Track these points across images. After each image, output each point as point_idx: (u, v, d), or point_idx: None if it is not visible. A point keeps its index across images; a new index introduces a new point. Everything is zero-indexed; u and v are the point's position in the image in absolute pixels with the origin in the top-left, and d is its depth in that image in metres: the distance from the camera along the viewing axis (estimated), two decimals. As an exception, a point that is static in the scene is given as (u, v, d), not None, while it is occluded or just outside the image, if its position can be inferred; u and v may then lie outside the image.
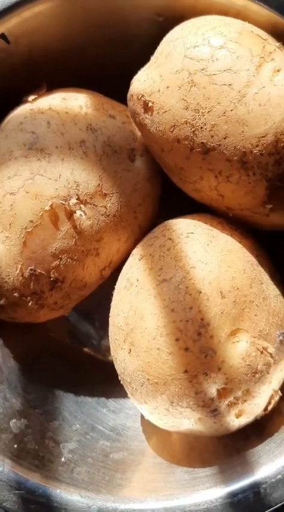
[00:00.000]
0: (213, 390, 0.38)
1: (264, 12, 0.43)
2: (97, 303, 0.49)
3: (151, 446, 0.46)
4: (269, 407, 0.42)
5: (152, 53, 0.45)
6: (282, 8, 0.42)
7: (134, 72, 0.46)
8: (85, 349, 0.54)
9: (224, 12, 0.44)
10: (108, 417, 0.49)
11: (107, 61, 0.51)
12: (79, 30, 0.49)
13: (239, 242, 0.42)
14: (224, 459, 0.42)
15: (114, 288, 0.45)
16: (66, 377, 0.51)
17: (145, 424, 0.46)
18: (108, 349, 0.46)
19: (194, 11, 0.45)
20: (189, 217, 0.44)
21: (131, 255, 0.45)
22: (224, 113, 0.38)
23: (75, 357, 0.54)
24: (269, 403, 0.42)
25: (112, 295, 0.45)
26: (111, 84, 0.48)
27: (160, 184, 0.49)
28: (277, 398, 0.42)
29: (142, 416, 0.47)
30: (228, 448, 0.43)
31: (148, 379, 0.39)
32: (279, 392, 0.42)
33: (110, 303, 0.45)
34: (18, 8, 0.46)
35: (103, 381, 0.50)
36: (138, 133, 0.47)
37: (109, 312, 0.45)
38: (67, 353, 0.54)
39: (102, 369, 0.52)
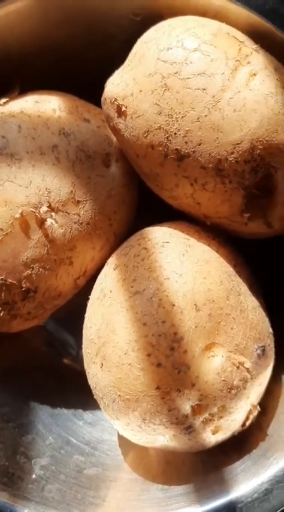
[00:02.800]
0: (186, 407, 0.37)
1: (243, 13, 0.41)
2: (76, 310, 0.47)
3: (127, 461, 0.45)
4: (248, 423, 0.40)
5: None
6: (261, 8, 0.40)
7: (113, 70, 0.44)
8: (63, 359, 0.53)
9: (203, 12, 0.42)
10: (84, 430, 0.47)
11: (84, 61, 0.49)
12: (55, 29, 0.47)
13: (217, 251, 0.41)
14: (202, 476, 0.41)
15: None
16: (43, 388, 0.50)
17: (122, 438, 0.45)
18: (86, 358, 0.45)
19: (172, 10, 0.43)
20: (166, 225, 0.43)
21: (106, 264, 0.44)
22: (198, 118, 0.37)
23: (53, 367, 0.52)
24: (247, 418, 0.40)
25: (89, 303, 0.43)
26: (88, 85, 0.47)
27: (136, 190, 0.48)
28: (255, 413, 0.40)
29: (118, 430, 0.46)
30: (206, 464, 0.42)
31: (119, 395, 0.38)
32: (258, 407, 0.40)
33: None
34: (-9, 7, 0.44)
35: (81, 391, 0.48)
36: (114, 137, 0.45)
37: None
38: (44, 363, 0.52)
39: (80, 379, 0.49)
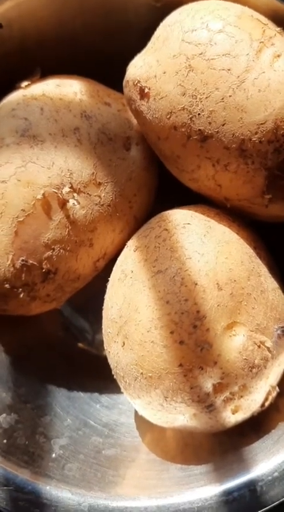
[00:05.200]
0: (208, 385, 0.37)
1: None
2: (92, 296, 0.48)
3: (145, 443, 0.45)
4: (267, 404, 0.41)
5: (149, 40, 0.44)
6: (283, -8, 0.41)
7: (131, 59, 0.45)
8: (79, 344, 0.53)
9: (224, -3, 0.43)
10: (101, 413, 0.48)
11: (103, 48, 0.50)
12: (74, 16, 0.48)
13: (237, 234, 0.41)
14: (220, 456, 0.41)
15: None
16: (59, 371, 0.50)
17: (139, 420, 0.45)
18: (102, 343, 0.45)
19: (193, -4, 0.44)
20: (186, 208, 0.43)
21: (126, 246, 0.44)
22: (222, 98, 0.37)
23: (69, 351, 0.53)
24: (266, 399, 0.41)
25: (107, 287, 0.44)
26: (106, 71, 0.47)
27: (156, 174, 0.48)
28: (274, 394, 0.41)
29: (136, 412, 0.46)
30: (224, 445, 0.42)
31: (141, 373, 0.38)
32: (277, 388, 0.41)
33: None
34: (12, -8, 0.45)
35: (97, 375, 0.49)
36: (134, 121, 0.46)
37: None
38: (60, 347, 0.53)
39: (96, 363, 0.51)
